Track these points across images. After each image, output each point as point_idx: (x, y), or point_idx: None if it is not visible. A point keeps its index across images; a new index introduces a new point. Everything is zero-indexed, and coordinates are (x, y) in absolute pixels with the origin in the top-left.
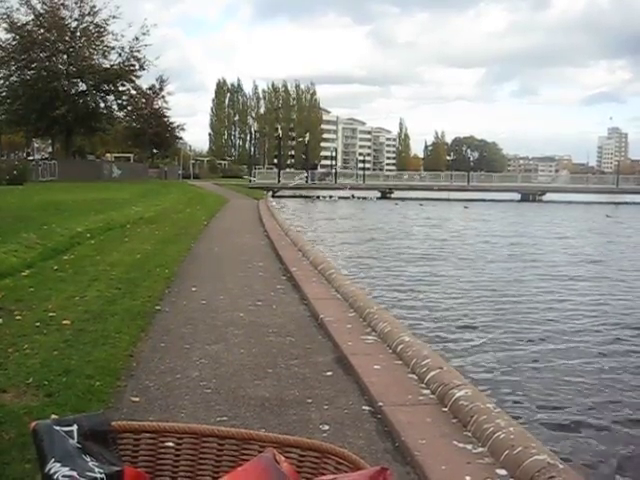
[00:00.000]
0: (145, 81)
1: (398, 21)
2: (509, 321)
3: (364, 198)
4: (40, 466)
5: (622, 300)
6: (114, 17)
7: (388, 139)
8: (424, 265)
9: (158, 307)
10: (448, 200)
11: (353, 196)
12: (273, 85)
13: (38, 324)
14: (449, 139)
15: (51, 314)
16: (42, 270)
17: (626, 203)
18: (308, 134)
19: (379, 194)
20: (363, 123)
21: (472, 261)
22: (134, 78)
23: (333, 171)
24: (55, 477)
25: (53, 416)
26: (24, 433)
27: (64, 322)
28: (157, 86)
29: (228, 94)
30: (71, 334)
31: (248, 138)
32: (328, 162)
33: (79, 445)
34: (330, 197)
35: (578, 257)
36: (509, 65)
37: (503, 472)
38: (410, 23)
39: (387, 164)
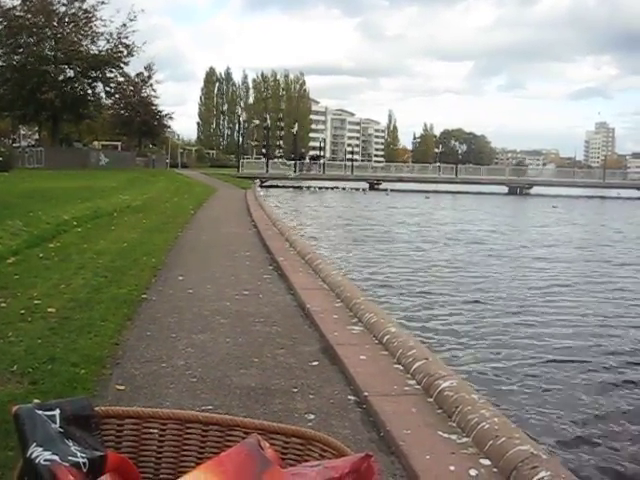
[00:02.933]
0: (133, 69)
1: (387, 14)
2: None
3: (357, 189)
4: (21, 450)
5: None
6: (102, 3)
7: (377, 130)
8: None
9: (144, 296)
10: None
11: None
12: (262, 75)
13: (23, 312)
14: (437, 131)
15: (36, 302)
16: (27, 257)
17: (611, 197)
18: (297, 124)
19: (367, 185)
20: (352, 114)
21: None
22: (122, 65)
23: (321, 161)
24: (36, 461)
25: (36, 401)
26: (8, 420)
27: (49, 310)
28: (145, 74)
29: (217, 83)
30: (56, 322)
31: (236, 128)
32: (317, 152)
33: (61, 430)
34: (319, 188)
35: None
36: (497, 59)
37: (487, 462)
38: (399, 16)
39: (375, 155)
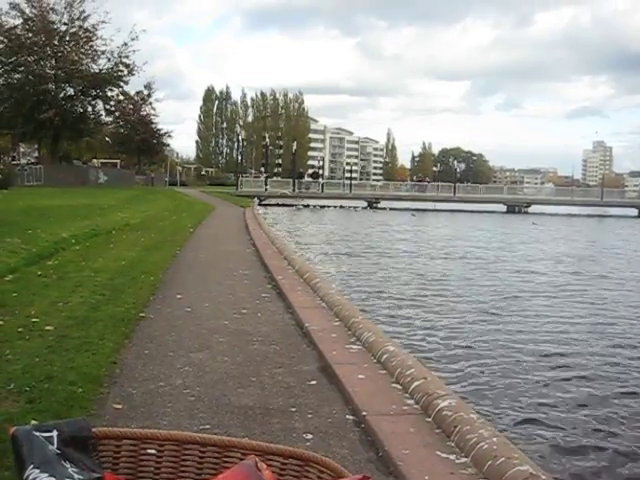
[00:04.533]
0: (133, 88)
1: (385, 34)
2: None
3: (355, 208)
4: (18, 472)
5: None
6: (103, 22)
7: (375, 149)
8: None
9: (142, 314)
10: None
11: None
12: (261, 93)
13: (21, 330)
14: (436, 150)
15: (34, 320)
16: (26, 275)
17: (610, 216)
18: (295, 143)
19: (365, 204)
20: (350, 133)
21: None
22: (122, 84)
23: (320, 180)
24: None
25: (33, 422)
26: (4, 439)
27: (47, 328)
28: (145, 92)
29: (216, 102)
30: (54, 340)
31: (235, 146)
32: (316, 170)
33: (59, 451)
34: (321, 207)
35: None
36: (494, 79)
37: None
38: (397, 36)
39: (374, 174)
